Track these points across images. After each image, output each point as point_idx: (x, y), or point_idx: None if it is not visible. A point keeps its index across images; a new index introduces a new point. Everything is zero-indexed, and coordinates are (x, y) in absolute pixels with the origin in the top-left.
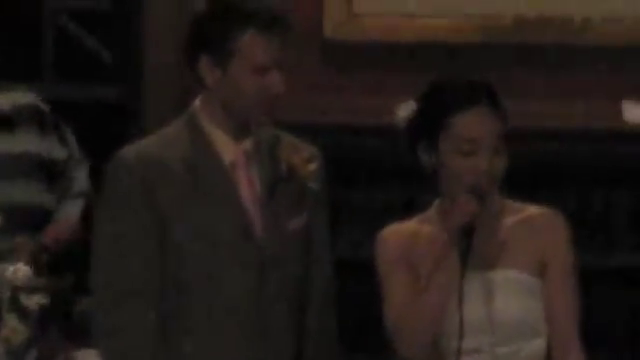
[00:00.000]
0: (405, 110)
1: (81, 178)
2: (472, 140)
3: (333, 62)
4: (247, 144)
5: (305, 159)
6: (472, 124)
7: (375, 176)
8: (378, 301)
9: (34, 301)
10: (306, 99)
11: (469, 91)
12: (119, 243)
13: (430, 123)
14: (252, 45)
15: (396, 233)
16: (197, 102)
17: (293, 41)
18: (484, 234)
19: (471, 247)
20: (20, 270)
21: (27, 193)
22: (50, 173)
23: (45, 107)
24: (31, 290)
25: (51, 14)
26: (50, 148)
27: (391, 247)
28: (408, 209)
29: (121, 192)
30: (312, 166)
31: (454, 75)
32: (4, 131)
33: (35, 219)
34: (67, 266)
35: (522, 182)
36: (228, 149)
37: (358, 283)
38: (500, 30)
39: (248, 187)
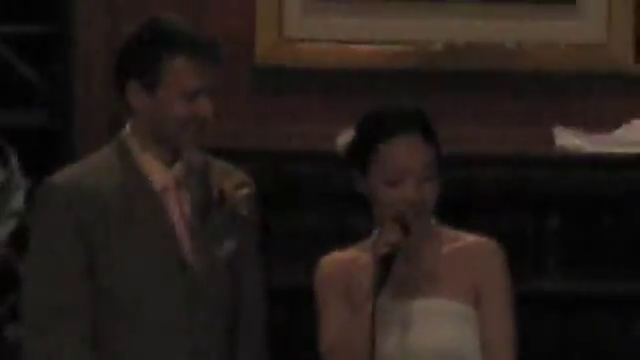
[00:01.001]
0: (344, 138)
1: (17, 199)
2: (399, 169)
3: (264, 87)
4: (177, 169)
5: (236, 185)
6: (399, 153)
7: (307, 202)
8: (311, 328)
9: None
10: (237, 125)
11: (398, 119)
12: (49, 268)
13: (361, 151)
14: (180, 71)
15: (335, 261)
16: (126, 128)
17: (224, 66)
18: (415, 261)
19: (388, 277)
20: None
21: None
22: None
23: None
24: None
25: None
26: None
27: (329, 275)
28: (341, 236)
29: (51, 218)
30: (243, 192)
31: (391, 103)
32: None
33: None
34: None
35: (455, 208)
36: (159, 175)
37: (290, 310)
38: (432, 56)
39: (179, 213)
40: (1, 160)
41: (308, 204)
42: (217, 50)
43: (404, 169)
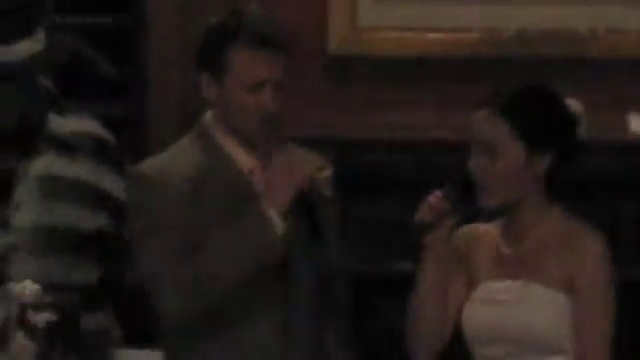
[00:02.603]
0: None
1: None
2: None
3: (337, 77)
4: (256, 158)
5: (317, 168)
6: (470, 126)
7: (386, 190)
8: (395, 315)
9: (42, 318)
10: (313, 114)
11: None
12: (160, 240)
13: None
14: (243, 62)
15: (464, 234)
16: (207, 116)
17: (298, 56)
18: (522, 241)
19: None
20: (27, 287)
21: (70, 218)
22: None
23: (109, 137)
24: (39, 307)
25: None
26: (104, 180)
27: (453, 243)
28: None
29: (147, 206)
30: (325, 174)
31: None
32: (64, 156)
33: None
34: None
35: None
36: (244, 157)
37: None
38: (504, 43)
39: (269, 193)
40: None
41: (387, 192)
42: (283, 42)
43: (471, 141)
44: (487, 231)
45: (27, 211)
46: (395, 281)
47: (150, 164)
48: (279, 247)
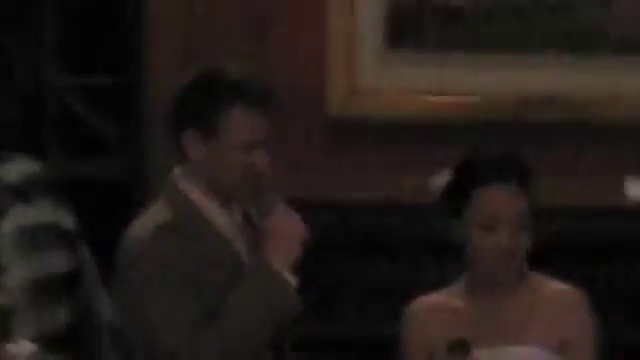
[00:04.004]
0: (440, 179)
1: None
2: (493, 215)
3: (337, 138)
4: (237, 215)
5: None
6: (494, 200)
7: (382, 253)
8: None
9: None
10: (311, 176)
11: (497, 166)
12: (173, 308)
13: (457, 194)
14: (238, 121)
15: (425, 306)
16: (178, 175)
17: (297, 117)
18: (507, 305)
19: None
20: (24, 347)
21: (61, 262)
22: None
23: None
24: None
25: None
26: (63, 218)
27: (417, 320)
28: (415, 286)
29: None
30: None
31: (489, 148)
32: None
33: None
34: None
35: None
36: (223, 221)
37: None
38: (501, 108)
39: (245, 256)
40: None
41: (382, 255)
42: (274, 100)
43: (499, 216)
44: (442, 301)
45: (16, 269)
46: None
47: (144, 226)
48: (298, 300)
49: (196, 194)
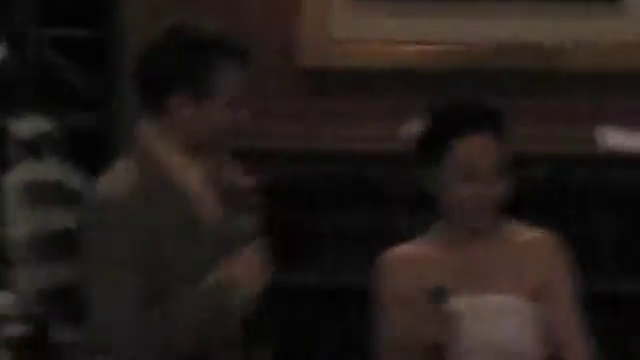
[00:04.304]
0: (410, 128)
1: None
2: (472, 166)
3: (310, 89)
4: (202, 168)
5: (243, 175)
6: (473, 150)
7: (353, 203)
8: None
9: (17, 330)
10: (284, 127)
11: (474, 115)
12: (113, 276)
13: (434, 145)
14: (230, 80)
15: (398, 256)
16: (144, 130)
17: (271, 68)
18: (483, 253)
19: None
20: (3, 297)
21: (63, 220)
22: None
23: (58, 135)
24: (14, 319)
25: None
26: (68, 176)
27: (392, 270)
28: (384, 236)
29: (109, 234)
30: (251, 181)
31: (461, 98)
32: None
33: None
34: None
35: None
36: (188, 174)
37: (341, 309)
38: (477, 56)
39: (214, 208)
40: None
41: (354, 205)
42: (252, 54)
43: (477, 166)
44: (416, 250)
45: (21, 222)
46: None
47: (110, 187)
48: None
49: (165, 152)
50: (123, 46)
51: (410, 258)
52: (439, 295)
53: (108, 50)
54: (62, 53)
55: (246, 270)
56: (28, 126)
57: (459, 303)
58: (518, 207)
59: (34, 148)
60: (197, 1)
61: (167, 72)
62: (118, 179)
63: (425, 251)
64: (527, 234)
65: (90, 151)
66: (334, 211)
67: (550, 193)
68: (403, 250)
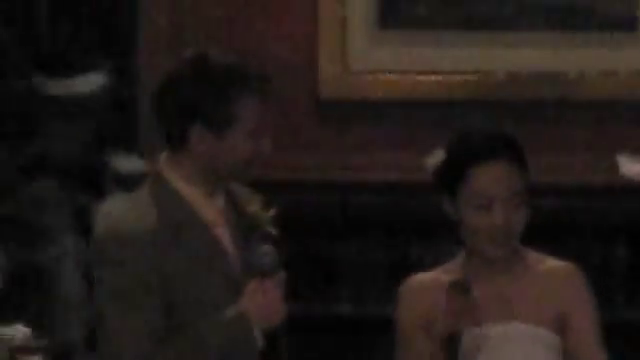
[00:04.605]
0: (434, 158)
1: None
2: (487, 194)
3: (329, 121)
4: (220, 201)
5: (261, 207)
6: (488, 179)
7: (373, 233)
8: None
9: None
10: (303, 158)
11: (489, 144)
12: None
13: (451, 173)
14: (249, 110)
15: (418, 284)
16: (164, 163)
17: (290, 100)
18: (504, 283)
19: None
20: (19, 331)
21: None
22: None
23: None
24: (30, 351)
25: None
26: None
27: (411, 298)
28: (406, 266)
29: (126, 265)
30: (271, 212)
31: (481, 127)
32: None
33: None
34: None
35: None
36: (205, 208)
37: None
38: (493, 86)
39: (231, 244)
40: None
41: (374, 235)
42: (271, 84)
43: (493, 195)
44: (438, 278)
45: None
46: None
47: (125, 220)
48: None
49: (179, 182)
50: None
51: (430, 285)
52: (460, 286)
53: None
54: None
55: (264, 304)
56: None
57: (480, 331)
58: (534, 236)
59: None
60: (213, 34)
61: (187, 103)
62: (133, 213)
63: (445, 278)
64: (548, 264)
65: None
66: (350, 240)
67: (568, 224)
68: (425, 277)
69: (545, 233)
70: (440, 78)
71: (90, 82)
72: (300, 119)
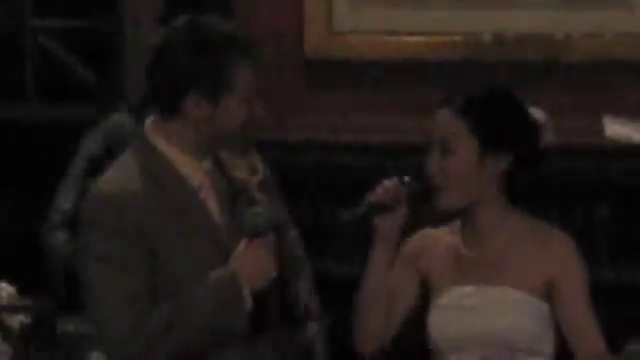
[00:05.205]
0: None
1: None
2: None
3: (315, 81)
4: (206, 165)
5: (249, 172)
6: (431, 125)
7: (358, 194)
8: None
9: (17, 321)
10: (288, 118)
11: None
12: (113, 271)
13: None
14: (244, 76)
15: (419, 238)
16: (151, 127)
17: (275, 61)
18: (485, 244)
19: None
20: (3, 289)
21: None
22: None
23: None
24: (14, 309)
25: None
26: None
27: (407, 246)
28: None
29: (107, 226)
30: (258, 177)
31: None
32: None
33: None
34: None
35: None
36: (191, 171)
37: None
38: (481, 47)
39: (217, 207)
40: None
41: (359, 196)
42: (262, 51)
43: (430, 140)
44: (441, 235)
45: None
46: None
47: (108, 183)
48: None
49: (166, 146)
50: (126, 39)
51: (431, 241)
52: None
53: (112, 43)
54: (65, 44)
55: (253, 263)
56: None
57: (464, 290)
58: (525, 199)
59: None
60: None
61: (181, 71)
62: (118, 177)
63: (445, 237)
64: (539, 230)
65: None
66: (335, 201)
67: (553, 185)
68: (428, 234)
69: (531, 194)
70: (424, 39)
71: None
72: (285, 80)
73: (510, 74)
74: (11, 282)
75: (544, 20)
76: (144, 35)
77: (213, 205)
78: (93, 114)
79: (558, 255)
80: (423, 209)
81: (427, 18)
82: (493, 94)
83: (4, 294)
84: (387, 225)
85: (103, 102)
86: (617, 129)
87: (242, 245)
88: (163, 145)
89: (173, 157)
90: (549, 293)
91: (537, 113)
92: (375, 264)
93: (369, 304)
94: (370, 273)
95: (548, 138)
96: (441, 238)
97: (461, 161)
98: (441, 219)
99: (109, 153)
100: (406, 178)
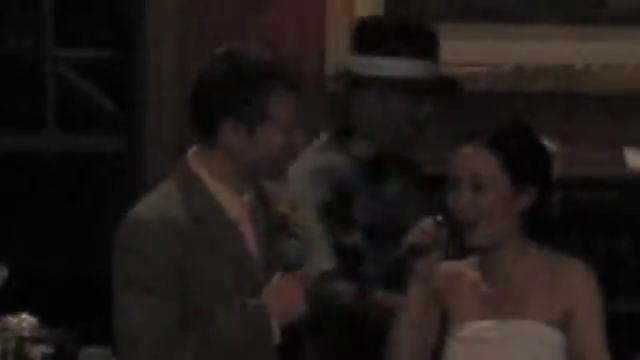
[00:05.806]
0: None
1: None
2: (452, 174)
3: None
4: (248, 198)
5: (291, 207)
6: (456, 159)
7: None
8: None
9: (39, 351)
10: None
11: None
12: (147, 297)
13: None
14: (281, 104)
15: (445, 274)
16: (193, 157)
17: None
18: (506, 279)
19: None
20: (25, 320)
21: None
22: None
23: None
24: (36, 340)
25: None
26: None
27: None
28: None
29: (142, 251)
30: (299, 213)
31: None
32: None
33: None
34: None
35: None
36: (231, 204)
37: None
38: (502, 78)
39: (253, 241)
40: None
41: None
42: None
43: (457, 175)
44: (463, 271)
45: None
46: None
47: (146, 208)
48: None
49: (207, 176)
50: (147, 68)
51: (451, 275)
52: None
53: (133, 72)
54: (85, 74)
55: (283, 297)
56: None
57: (483, 325)
58: (550, 228)
59: None
60: (227, 24)
61: (220, 97)
62: (158, 203)
63: (467, 269)
64: (558, 259)
65: (114, 173)
66: None
67: (575, 216)
68: (451, 265)
69: (552, 225)
70: (447, 69)
71: None
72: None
73: (530, 105)
74: (32, 313)
75: (564, 51)
76: (166, 66)
77: (250, 238)
78: (114, 144)
79: (575, 283)
80: (451, 245)
81: (450, 49)
82: (517, 126)
83: (26, 325)
84: (426, 268)
85: (125, 133)
86: (638, 160)
87: (275, 279)
88: (204, 174)
89: (214, 187)
90: (567, 322)
91: (549, 143)
92: (410, 306)
93: (402, 345)
94: (404, 315)
95: (558, 169)
96: (463, 274)
97: (494, 198)
98: (464, 255)
99: None
100: (439, 217)
